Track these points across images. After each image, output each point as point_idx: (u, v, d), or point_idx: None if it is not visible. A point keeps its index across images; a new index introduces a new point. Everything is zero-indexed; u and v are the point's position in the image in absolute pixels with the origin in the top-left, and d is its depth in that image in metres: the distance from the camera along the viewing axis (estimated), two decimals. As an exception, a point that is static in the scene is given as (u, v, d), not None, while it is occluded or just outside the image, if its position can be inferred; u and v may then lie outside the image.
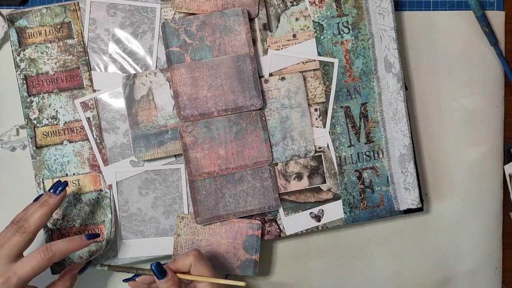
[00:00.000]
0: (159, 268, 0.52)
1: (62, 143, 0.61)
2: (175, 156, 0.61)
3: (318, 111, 0.62)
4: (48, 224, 0.61)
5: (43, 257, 0.51)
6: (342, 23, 0.62)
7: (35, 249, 0.52)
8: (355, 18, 0.62)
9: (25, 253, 0.52)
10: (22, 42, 0.61)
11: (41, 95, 0.61)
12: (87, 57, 0.61)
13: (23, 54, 0.61)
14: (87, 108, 0.61)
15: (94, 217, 0.61)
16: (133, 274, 0.56)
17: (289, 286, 0.65)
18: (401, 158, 0.62)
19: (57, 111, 0.61)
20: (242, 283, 0.53)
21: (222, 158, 0.60)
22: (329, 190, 0.62)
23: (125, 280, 0.57)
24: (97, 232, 0.61)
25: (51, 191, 0.55)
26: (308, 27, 0.62)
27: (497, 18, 0.66)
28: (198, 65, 0.60)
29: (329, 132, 0.62)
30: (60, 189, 0.55)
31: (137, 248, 0.61)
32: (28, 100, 0.61)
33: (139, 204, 0.61)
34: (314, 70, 0.62)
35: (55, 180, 0.60)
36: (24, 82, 0.61)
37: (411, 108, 0.65)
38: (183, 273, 0.54)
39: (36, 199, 0.56)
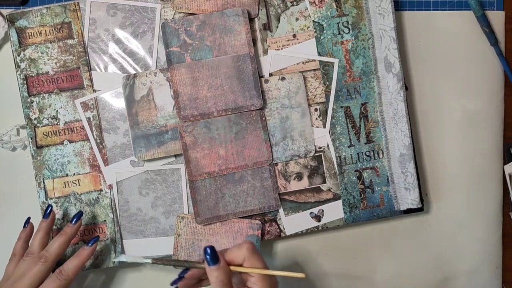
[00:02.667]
0: (213, 253, 0.48)
1: (63, 143, 0.61)
2: (175, 156, 0.61)
3: (318, 111, 0.62)
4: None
5: (61, 279, 0.53)
6: (342, 23, 0.62)
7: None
8: (355, 18, 0.62)
9: None
10: (22, 42, 0.61)
11: (42, 95, 0.61)
12: (87, 57, 0.61)
13: (23, 54, 0.61)
14: (87, 108, 0.61)
15: (95, 217, 0.61)
16: (179, 274, 0.51)
17: (289, 286, 0.65)
18: (401, 158, 0.62)
19: (57, 111, 0.61)
20: (301, 275, 0.48)
21: (222, 158, 0.60)
22: (329, 190, 0.62)
23: (173, 283, 0.52)
24: (96, 231, 0.61)
25: (72, 222, 0.57)
26: (308, 27, 0.62)
27: (497, 18, 0.66)
28: (198, 65, 0.60)
29: (329, 132, 0.62)
30: (75, 219, 0.57)
31: (137, 248, 0.61)
32: (29, 100, 0.61)
33: (139, 204, 0.61)
34: (314, 70, 0.62)
35: (56, 180, 0.61)
36: (25, 82, 0.61)
37: (411, 108, 0.65)
38: (235, 265, 0.49)
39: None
